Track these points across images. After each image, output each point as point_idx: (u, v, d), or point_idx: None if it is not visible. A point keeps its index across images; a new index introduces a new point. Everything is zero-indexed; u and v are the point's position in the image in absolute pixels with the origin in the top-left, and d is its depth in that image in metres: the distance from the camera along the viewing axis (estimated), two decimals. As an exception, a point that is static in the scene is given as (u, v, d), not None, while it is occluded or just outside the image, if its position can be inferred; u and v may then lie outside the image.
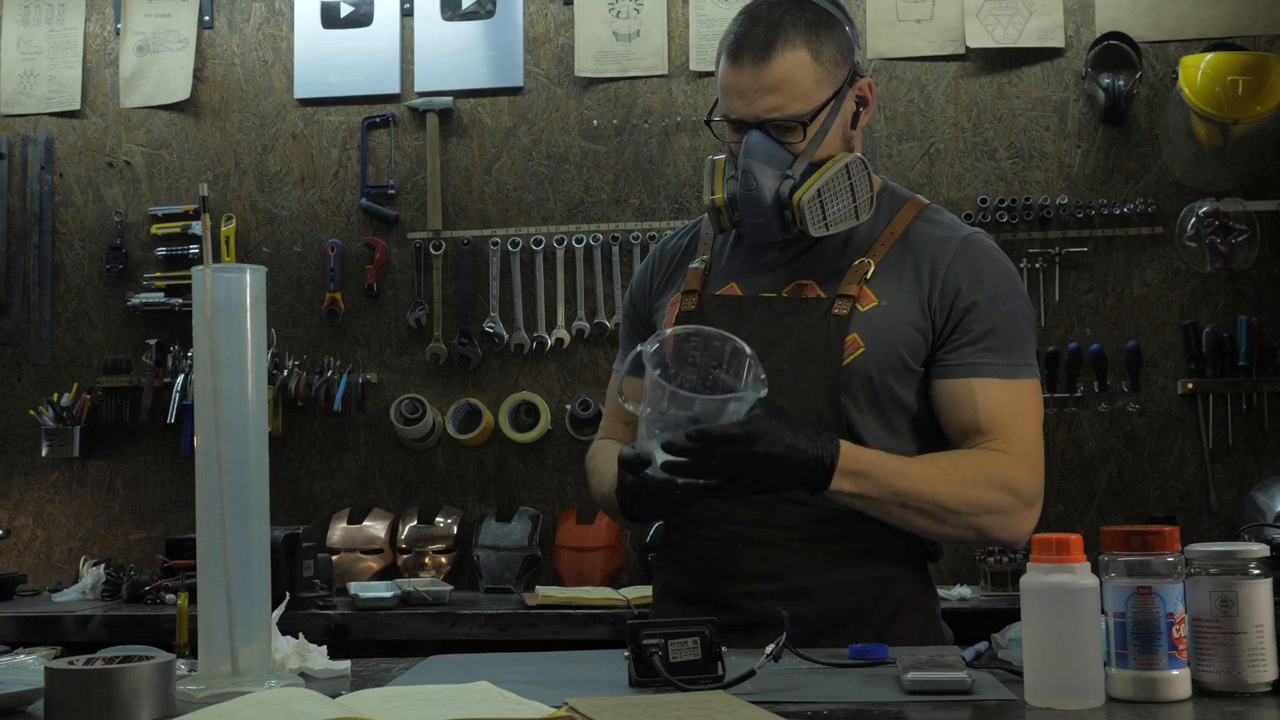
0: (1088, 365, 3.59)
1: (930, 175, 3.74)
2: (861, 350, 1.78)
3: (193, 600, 1.54)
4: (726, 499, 1.73)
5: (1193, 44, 3.65)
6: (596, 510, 3.55)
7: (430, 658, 1.73)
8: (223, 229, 3.93)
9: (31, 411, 3.92)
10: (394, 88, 3.93)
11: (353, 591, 3.27)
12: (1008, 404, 1.78)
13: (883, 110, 3.77)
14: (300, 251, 3.94)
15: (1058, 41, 3.72)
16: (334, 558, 3.61)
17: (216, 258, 3.84)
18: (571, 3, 3.90)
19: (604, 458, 1.95)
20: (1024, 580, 1.32)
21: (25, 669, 1.55)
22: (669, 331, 1.70)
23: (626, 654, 1.43)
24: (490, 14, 3.92)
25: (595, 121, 3.86)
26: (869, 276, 1.82)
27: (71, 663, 1.37)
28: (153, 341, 3.89)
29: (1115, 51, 3.65)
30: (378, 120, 3.93)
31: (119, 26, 4.05)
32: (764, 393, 1.62)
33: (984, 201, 3.68)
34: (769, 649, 1.44)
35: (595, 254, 3.79)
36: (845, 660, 1.56)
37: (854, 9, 3.79)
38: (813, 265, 1.87)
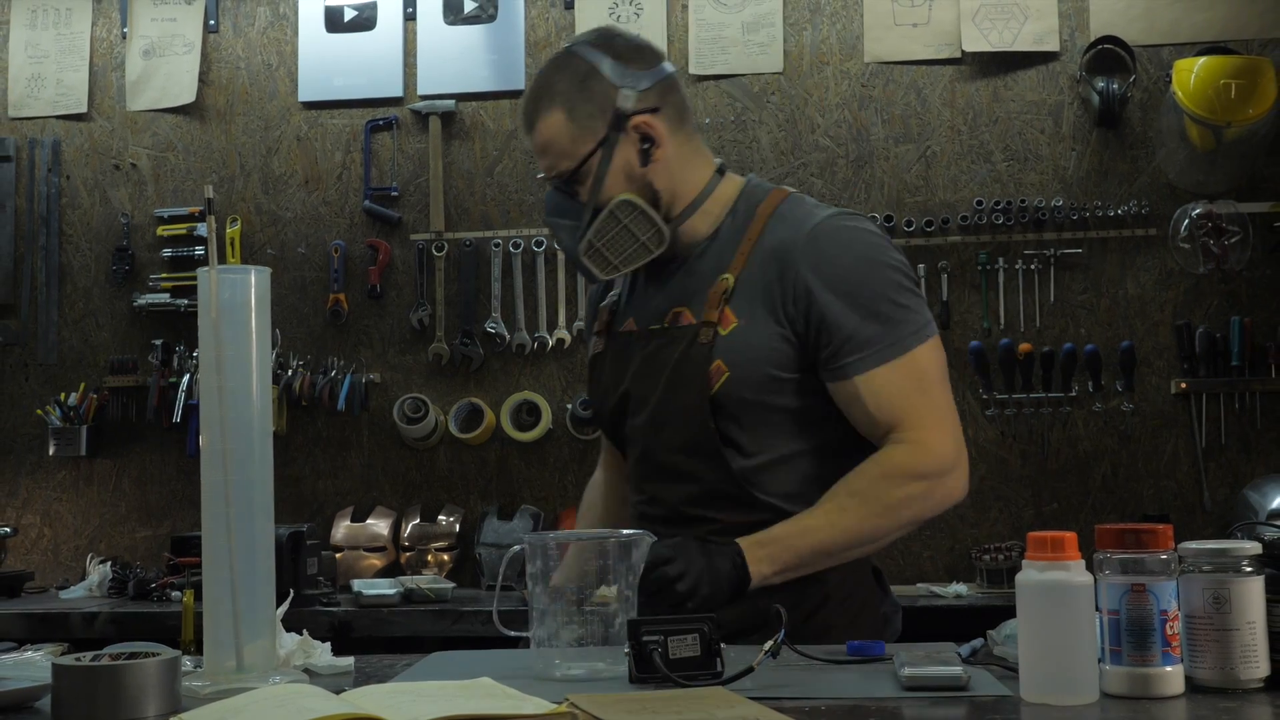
0: (1082, 365, 3.59)
1: (927, 177, 3.74)
2: (726, 376, 1.79)
3: (198, 597, 1.54)
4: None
5: (1186, 48, 3.65)
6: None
7: (432, 654, 1.73)
8: (228, 231, 3.93)
9: (39, 411, 3.92)
10: (397, 91, 3.93)
11: (356, 589, 3.27)
12: (897, 387, 1.77)
13: (880, 113, 3.77)
14: (304, 253, 3.94)
15: (1052, 45, 3.72)
16: (337, 555, 3.62)
17: (221, 259, 3.83)
18: (572, 7, 3.90)
19: (587, 502, 2.17)
20: (1019, 578, 1.32)
21: (33, 665, 1.55)
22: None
23: (626, 650, 1.43)
24: (492, 18, 3.92)
25: (596, 124, 3.86)
26: (729, 295, 1.81)
27: (78, 659, 1.36)
28: (158, 342, 3.89)
29: (1109, 55, 3.65)
30: (381, 123, 3.93)
31: (125, 31, 4.05)
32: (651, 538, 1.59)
33: (980, 203, 3.68)
34: (767, 645, 1.44)
35: (596, 255, 3.79)
36: (843, 656, 1.56)
37: (851, 13, 3.79)
38: (688, 289, 1.88)
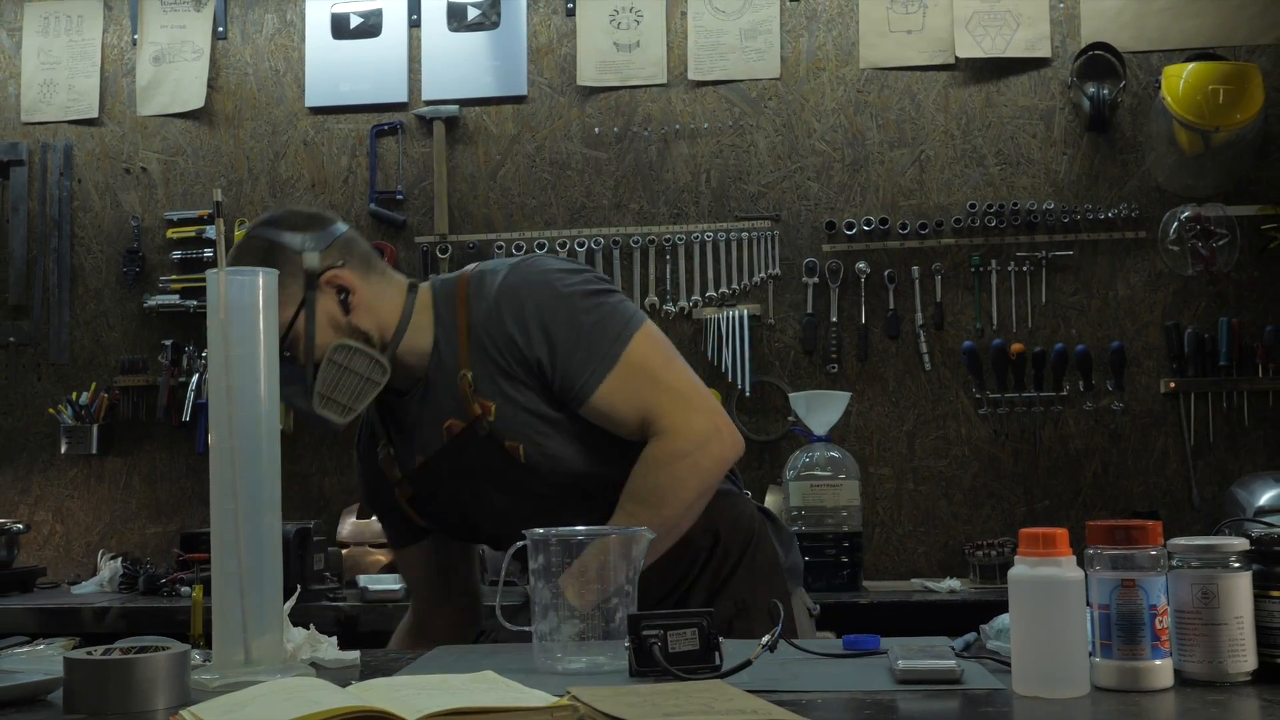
0: (1073, 365, 3.59)
1: (920, 181, 3.74)
2: (521, 448, 1.85)
3: (207, 592, 1.54)
4: None
5: (1175, 54, 3.65)
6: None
7: (437, 648, 1.73)
8: (236, 233, 3.93)
9: (51, 410, 3.92)
10: (402, 96, 3.94)
11: (362, 584, 3.27)
12: (627, 391, 1.83)
13: (875, 118, 3.77)
14: (311, 255, 3.94)
15: (1044, 52, 3.72)
16: (344, 551, 3.61)
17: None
18: (574, 14, 3.90)
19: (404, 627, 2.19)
20: (1012, 573, 1.32)
21: (45, 659, 1.55)
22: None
23: (627, 644, 1.43)
24: (495, 25, 3.92)
25: (596, 129, 3.86)
26: (474, 387, 1.86)
27: (90, 653, 1.36)
28: (168, 342, 3.89)
29: (1100, 61, 3.65)
30: (386, 128, 3.93)
31: (136, 37, 4.05)
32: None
33: (973, 206, 3.68)
34: (765, 639, 1.44)
35: (597, 257, 3.79)
36: (838, 650, 1.56)
37: (847, 20, 3.79)
38: (441, 404, 1.91)
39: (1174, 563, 1.35)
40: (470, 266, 1.98)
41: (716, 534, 1.92)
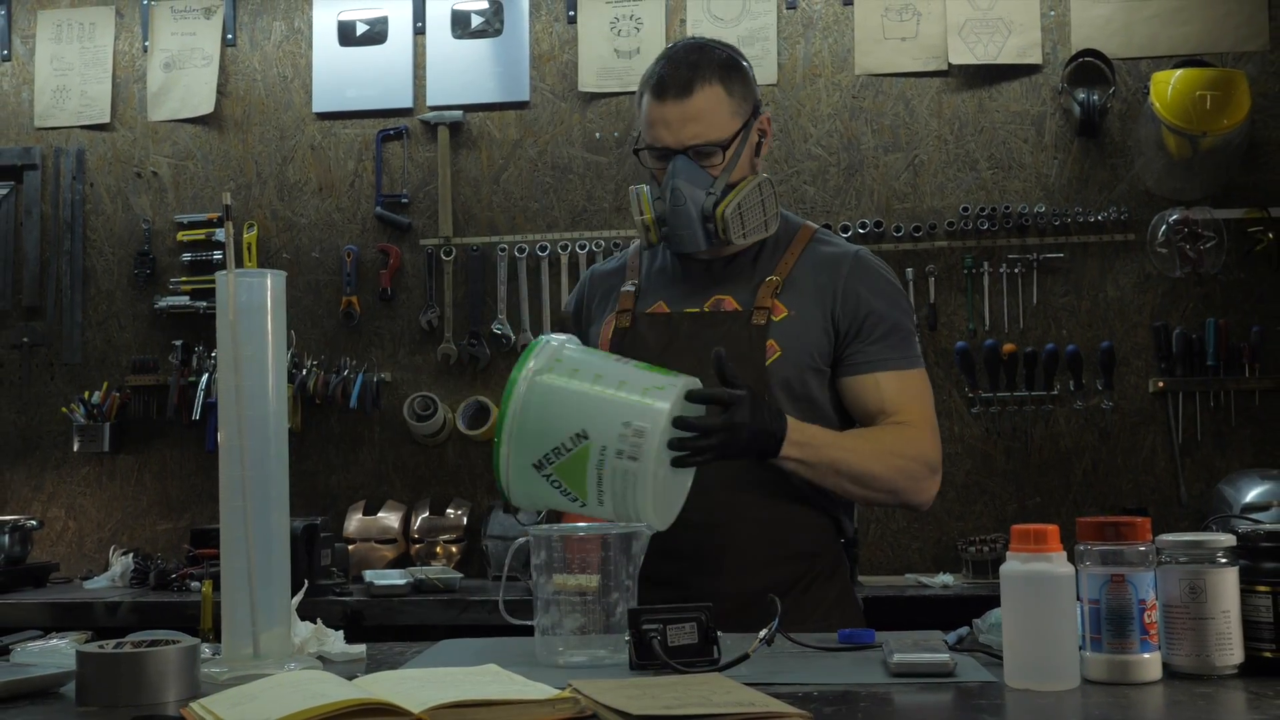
0: (1064, 365, 3.59)
1: (915, 185, 3.74)
2: (779, 354, 1.92)
3: (216, 587, 1.54)
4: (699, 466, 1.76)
5: (1163, 60, 3.65)
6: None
7: (441, 642, 1.73)
8: (245, 236, 3.93)
9: (64, 409, 3.92)
10: (407, 102, 3.93)
11: (368, 579, 3.27)
12: (906, 390, 1.94)
13: (870, 123, 3.77)
14: (318, 257, 3.94)
15: (1035, 58, 3.72)
16: (350, 547, 3.62)
17: (239, 263, 3.83)
18: (575, 22, 3.90)
19: None
20: (1004, 569, 1.32)
21: (58, 652, 1.55)
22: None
23: (627, 638, 1.43)
24: (498, 32, 3.92)
25: (597, 134, 3.86)
26: (779, 291, 1.95)
27: (102, 646, 1.37)
28: (178, 342, 3.89)
29: (1090, 68, 3.65)
30: (391, 133, 3.93)
31: (146, 44, 4.05)
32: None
33: (965, 210, 3.68)
34: (762, 633, 1.44)
35: (597, 259, 3.79)
36: (834, 644, 1.56)
37: (843, 27, 3.80)
38: (728, 283, 1.99)
39: (1162, 558, 1.36)
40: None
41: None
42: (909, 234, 3.69)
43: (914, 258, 3.70)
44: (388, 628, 3.09)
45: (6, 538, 3.51)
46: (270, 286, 1.50)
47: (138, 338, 3.99)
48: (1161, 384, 3.59)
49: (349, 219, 3.94)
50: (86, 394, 3.91)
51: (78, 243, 4.02)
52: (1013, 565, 1.31)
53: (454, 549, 3.68)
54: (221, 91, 4.01)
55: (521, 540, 1.57)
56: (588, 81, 3.87)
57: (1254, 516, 2.80)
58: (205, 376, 3.81)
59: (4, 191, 4.06)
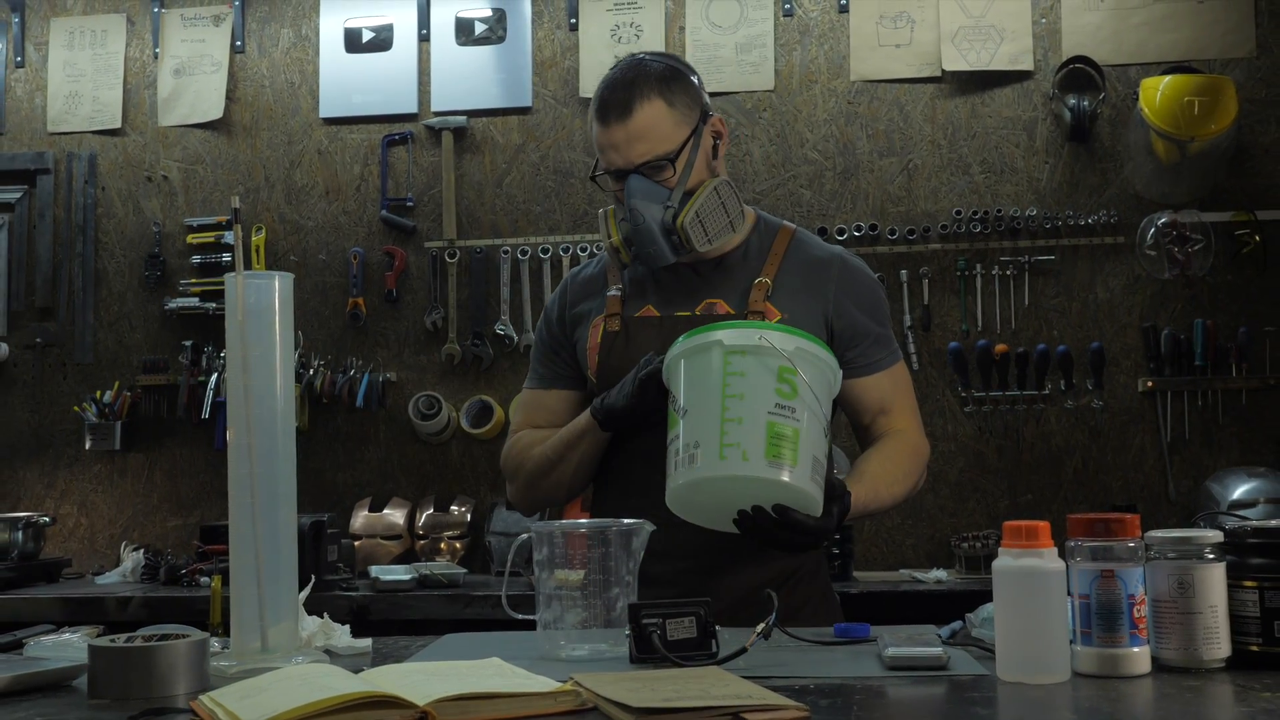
0: (1054, 365, 3.59)
1: (909, 189, 3.74)
2: None
3: (225, 583, 1.54)
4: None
5: (1152, 67, 3.65)
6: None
7: (445, 636, 1.73)
8: (253, 239, 3.93)
9: (76, 408, 3.92)
10: (412, 108, 3.93)
11: (373, 574, 3.27)
12: (897, 385, 2.02)
13: (864, 128, 3.77)
14: (325, 259, 3.94)
15: (1027, 65, 3.72)
16: (356, 543, 3.61)
17: (247, 265, 3.84)
18: (576, 29, 3.90)
19: (531, 439, 2.01)
20: (996, 564, 1.32)
21: (70, 646, 1.55)
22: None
23: (627, 632, 1.43)
24: (501, 39, 3.92)
25: (598, 139, 3.86)
26: (770, 294, 1.94)
27: (113, 641, 1.37)
28: (188, 343, 3.89)
29: (1080, 74, 3.65)
30: (397, 138, 3.93)
31: (157, 51, 4.05)
32: None
33: (958, 213, 3.68)
34: (759, 628, 1.44)
35: (598, 262, 3.79)
36: (830, 639, 1.56)
37: (839, 34, 3.80)
38: (718, 285, 1.98)
39: (1151, 554, 1.36)
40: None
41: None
42: (903, 237, 3.69)
43: (908, 260, 3.70)
44: (393, 622, 3.09)
45: (20, 534, 3.52)
46: (278, 288, 1.50)
47: (148, 338, 3.99)
48: (1150, 384, 3.59)
49: (355, 222, 3.94)
50: (98, 393, 3.91)
51: (89, 245, 4.02)
52: (1005, 561, 1.31)
53: (458, 545, 3.68)
54: (230, 97, 4.01)
55: (524, 536, 1.58)
56: (589, 87, 3.87)
57: (1240, 513, 2.80)
58: (214, 376, 3.81)
59: (18, 195, 4.06)
